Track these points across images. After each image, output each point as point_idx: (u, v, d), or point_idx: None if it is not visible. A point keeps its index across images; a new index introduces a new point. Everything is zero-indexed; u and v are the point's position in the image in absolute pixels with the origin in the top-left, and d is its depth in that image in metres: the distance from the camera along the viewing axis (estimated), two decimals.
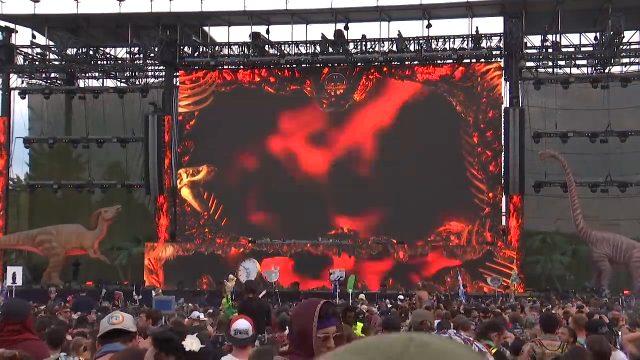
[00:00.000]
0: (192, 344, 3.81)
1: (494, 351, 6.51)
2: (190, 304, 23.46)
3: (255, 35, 37.46)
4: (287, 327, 3.66)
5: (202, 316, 14.22)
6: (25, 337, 5.90)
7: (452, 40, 35.81)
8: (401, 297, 24.19)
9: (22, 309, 6.37)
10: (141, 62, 39.71)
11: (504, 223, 36.11)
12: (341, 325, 3.68)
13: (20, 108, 40.66)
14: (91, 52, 38.89)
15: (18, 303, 7.39)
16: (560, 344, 7.87)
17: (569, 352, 6.58)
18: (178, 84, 39.51)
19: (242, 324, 6.51)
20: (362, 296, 25.45)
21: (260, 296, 16.00)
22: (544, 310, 16.76)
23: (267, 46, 37.58)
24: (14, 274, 20.85)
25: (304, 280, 33.27)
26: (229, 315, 13.25)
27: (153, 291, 29.00)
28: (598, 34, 35.25)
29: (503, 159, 35.47)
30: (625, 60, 36.80)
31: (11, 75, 40.01)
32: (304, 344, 3.48)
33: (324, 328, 3.48)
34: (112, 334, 5.03)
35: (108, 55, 39.95)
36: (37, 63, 40.02)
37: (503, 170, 35.43)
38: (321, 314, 3.48)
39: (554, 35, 35.74)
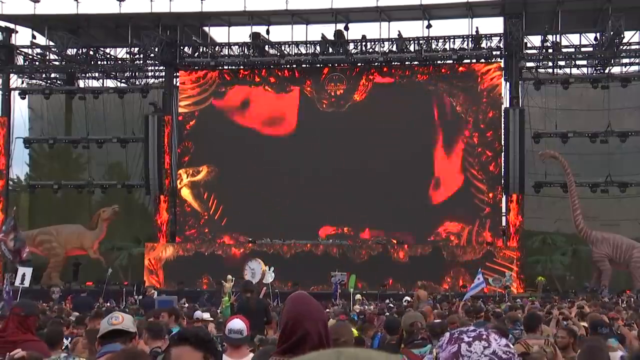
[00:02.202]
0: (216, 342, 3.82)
1: None
2: (185, 305, 23.42)
3: (255, 35, 37.47)
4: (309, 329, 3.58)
5: (205, 315, 14.17)
6: (26, 337, 5.90)
7: (452, 40, 35.81)
8: (407, 298, 24.07)
9: (33, 307, 6.41)
10: (141, 62, 39.72)
11: (503, 223, 36.12)
12: None
13: (20, 108, 40.74)
14: (91, 52, 38.91)
15: (28, 301, 7.47)
16: (544, 341, 7.91)
17: (585, 349, 6.57)
18: (178, 84, 39.51)
19: (236, 324, 6.51)
20: (358, 296, 25.40)
21: (261, 295, 16.01)
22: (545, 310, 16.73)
23: (267, 46, 37.58)
24: (24, 275, 20.86)
25: (303, 281, 33.18)
26: (226, 314, 13.23)
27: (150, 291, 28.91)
28: (598, 34, 35.25)
29: (503, 159, 35.47)
30: (625, 61, 36.80)
31: (11, 75, 40.01)
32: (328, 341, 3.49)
33: None
34: (111, 334, 5.03)
35: (108, 55, 39.95)
36: (37, 63, 40.03)
37: (503, 170, 35.44)
38: None
39: (554, 35, 35.75)
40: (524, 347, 7.71)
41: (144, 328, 8.78)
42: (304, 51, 37.26)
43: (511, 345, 1.74)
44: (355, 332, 9.85)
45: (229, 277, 24.63)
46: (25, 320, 6.08)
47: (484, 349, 1.72)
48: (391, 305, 21.48)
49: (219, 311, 16.64)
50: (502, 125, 35.20)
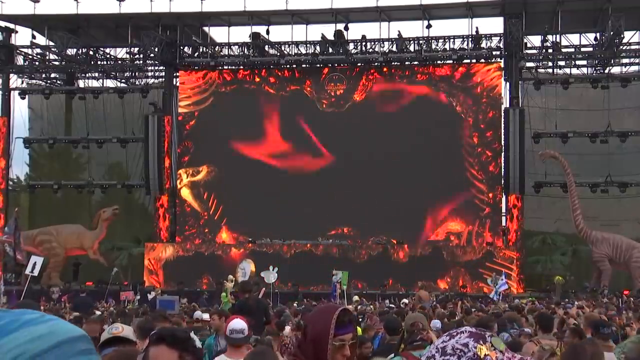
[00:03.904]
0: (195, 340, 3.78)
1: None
2: (184, 304, 23.45)
3: (255, 35, 37.47)
4: (299, 331, 3.60)
5: (205, 316, 14.18)
6: None
7: (452, 40, 35.81)
8: (405, 300, 24.07)
9: (33, 307, 6.39)
10: (141, 62, 39.71)
11: (504, 223, 36.11)
12: (356, 332, 3.62)
13: (20, 108, 40.76)
14: (91, 52, 38.91)
15: (30, 302, 7.43)
16: (557, 343, 7.90)
17: (567, 351, 6.56)
18: (178, 84, 39.51)
19: (238, 324, 6.50)
20: (356, 297, 25.34)
21: (260, 296, 15.99)
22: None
23: (267, 46, 37.58)
24: (35, 264, 20.98)
25: (303, 281, 33.18)
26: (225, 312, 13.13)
27: (152, 292, 28.90)
28: (598, 34, 35.25)
29: (503, 159, 35.48)
30: (624, 61, 36.79)
31: (11, 75, 40.01)
32: (318, 350, 3.44)
33: (340, 335, 3.44)
34: (112, 341, 5.03)
35: (108, 55, 39.95)
36: (37, 63, 40.02)
37: (503, 170, 35.45)
38: (338, 320, 3.43)
39: (554, 36, 35.75)
40: (537, 345, 7.71)
41: (135, 327, 8.77)
42: (304, 51, 37.25)
43: (470, 346, 1.72)
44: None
45: (230, 277, 24.63)
46: None
47: (440, 343, 1.74)
48: (391, 305, 21.48)
49: (220, 308, 16.64)
50: (502, 125, 35.20)
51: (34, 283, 36.01)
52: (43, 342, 1.13)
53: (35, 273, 21.31)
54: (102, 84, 41.34)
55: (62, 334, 1.17)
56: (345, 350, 3.38)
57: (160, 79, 40.30)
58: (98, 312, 15.50)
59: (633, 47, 35.88)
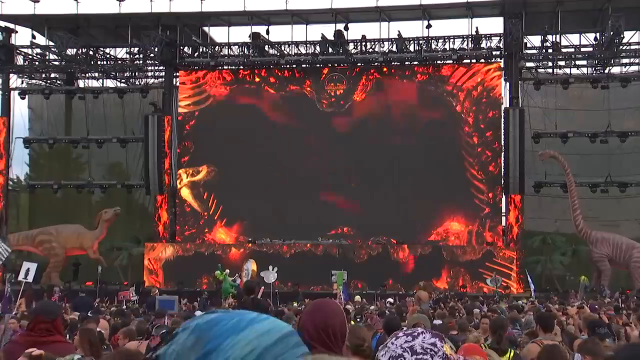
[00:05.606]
0: None
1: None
2: (185, 304, 23.46)
3: (255, 35, 37.47)
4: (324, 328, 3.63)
5: None
6: (55, 338, 5.87)
7: (451, 40, 35.81)
8: (390, 300, 24.05)
9: (53, 308, 6.40)
10: (141, 62, 39.70)
11: (503, 223, 36.11)
12: None
13: (20, 108, 40.77)
14: (91, 52, 38.90)
15: (49, 303, 7.41)
16: (559, 343, 7.90)
17: (545, 350, 6.54)
18: (178, 84, 39.51)
19: None
20: (357, 298, 25.35)
21: (259, 295, 15.99)
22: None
23: (266, 46, 37.58)
24: (28, 270, 21.05)
25: (303, 281, 33.16)
26: (227, 291, 13.12)
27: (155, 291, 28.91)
28: (598, 34, 35.25)
29: (503, 159, 35.47)
30: (624, 61, 36.79)
31: (11, 75, 40.01)
32: (342, 344, 3.55)
33: None
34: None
35: (108, 55, 39.94)
36: (37, 63, 40.01)
37: (503, 170, 35.43)
38: None
39: (554, 36, 35.74)
40: (540, 346, 7.70)
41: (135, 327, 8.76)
42: (303, 51, 37.25)
43: (438, 346, 1.77)
44: None
45: (227, 271, 24.72)
46: (53, 323, 6.02)
47: (404, 343, 1.77)
48: (389, 305, 21.49)
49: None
50: (502, 125, 35.20)
51: (34, 283, 36.09)
52: (269, 337, 1.34)
53: (30, 279, 21.38)
54: (102, 84, 41.36)
55: (280, 329, 1.37)
56: None
57: (160, 79, 40.30)
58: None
59: (633, 47, 35.86)
